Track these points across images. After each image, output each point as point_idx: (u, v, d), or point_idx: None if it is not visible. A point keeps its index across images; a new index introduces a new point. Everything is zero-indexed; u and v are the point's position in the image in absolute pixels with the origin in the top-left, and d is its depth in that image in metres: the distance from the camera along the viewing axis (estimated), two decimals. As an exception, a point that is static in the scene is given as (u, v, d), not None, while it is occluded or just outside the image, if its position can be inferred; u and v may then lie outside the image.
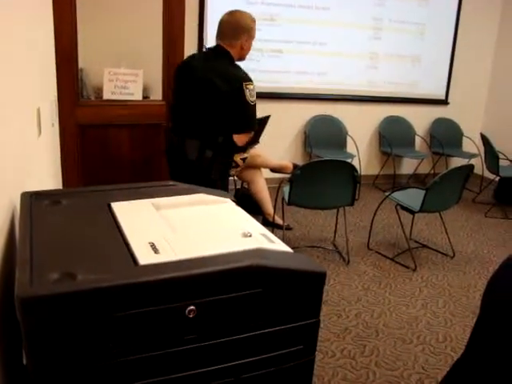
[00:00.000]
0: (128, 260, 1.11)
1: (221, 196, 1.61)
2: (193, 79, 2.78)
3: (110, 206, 1.44)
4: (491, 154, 4.93)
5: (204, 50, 2.91)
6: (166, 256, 1.12)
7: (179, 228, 1.32)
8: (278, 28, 5.13)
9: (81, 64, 3.30)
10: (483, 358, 0.73)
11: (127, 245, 1.18)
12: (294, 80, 5.32)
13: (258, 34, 3.00)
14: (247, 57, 2.94)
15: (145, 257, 1.11)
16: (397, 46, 5.63)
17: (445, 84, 5.96)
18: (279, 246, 1.27)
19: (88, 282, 0.99)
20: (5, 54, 1.38)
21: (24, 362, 1.02)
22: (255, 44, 2.97)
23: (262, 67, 5.11)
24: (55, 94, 2.67)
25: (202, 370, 1.12)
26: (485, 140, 5.02)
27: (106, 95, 3.40)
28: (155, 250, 1.15)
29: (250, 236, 1.28)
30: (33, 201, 1.45)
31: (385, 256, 3.80)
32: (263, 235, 1.30)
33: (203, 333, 1.10)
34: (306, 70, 5.35)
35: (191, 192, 1.61)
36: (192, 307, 1.06)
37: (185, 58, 3.22)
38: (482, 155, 5.36)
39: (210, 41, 4.91)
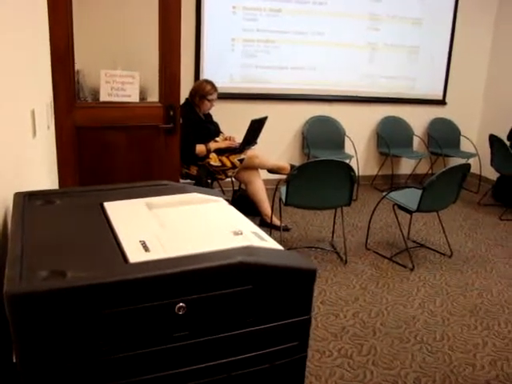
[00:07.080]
0: (118, 258, 1.11)
1: (213, 195, 1.62)
2: None
3: (102, 205, 1.45)
4: (504, 153, 4.88)
5: None
6: (156, 254, 1.12)
7: (171, 227, 1.33)
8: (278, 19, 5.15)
9: (77, 66, 3.31)
10: None
11: (118, 243, 1.19)
12: (290, 79, 5.34)
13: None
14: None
15: (135, 255, 1.12)
16: (394, 42, 5.65)
17: (442, 84, 5.97)
18: (270, 243, 1.28)
19: (77, 279, 1.00)
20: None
21: (14, 359, 1.02)
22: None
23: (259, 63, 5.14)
24: (51, 96, 2.68)
25: (192, 368, 1.13)
26: (495, 140, 4.99)
27: (103, 97, 3.40)
28: (146, 248, 1.15)
29: (241, 234, 1.28)
30: (26, 201, 1.45)
31: (382, 256, 3.81)
32: (254, 233, 1.31)
33: (193, 330, 1.11)
34: (302, 65, 5.36)
35: (184, 191, 1.62)
36: (182, 304, 1.07)
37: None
38: (480, 155, 5.35)
39: (207, 43, 4.93)
